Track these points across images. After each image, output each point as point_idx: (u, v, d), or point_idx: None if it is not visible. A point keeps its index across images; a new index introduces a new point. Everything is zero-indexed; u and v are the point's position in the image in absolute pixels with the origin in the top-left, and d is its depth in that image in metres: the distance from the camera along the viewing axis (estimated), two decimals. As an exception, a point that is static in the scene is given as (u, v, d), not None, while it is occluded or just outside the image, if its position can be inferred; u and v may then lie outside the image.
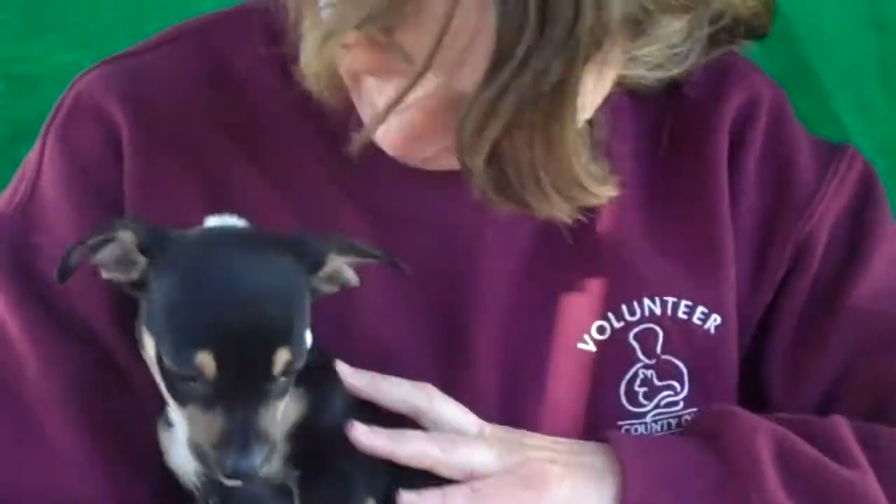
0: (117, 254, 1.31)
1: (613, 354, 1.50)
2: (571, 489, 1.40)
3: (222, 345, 1.24)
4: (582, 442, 1.46)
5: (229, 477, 1.25)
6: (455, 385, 1.46)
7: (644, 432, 1.51)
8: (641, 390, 1.51)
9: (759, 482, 1.41)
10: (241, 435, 1.24)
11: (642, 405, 1.51)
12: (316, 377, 1.35)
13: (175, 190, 1.46)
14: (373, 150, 1.41)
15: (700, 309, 1.52)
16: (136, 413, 1.44)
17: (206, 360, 1.24)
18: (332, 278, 1.36)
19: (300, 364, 1.28)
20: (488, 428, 1.44)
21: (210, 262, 1.29)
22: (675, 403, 1.53)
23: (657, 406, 1.52)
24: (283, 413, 1.31)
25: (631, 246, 1.51)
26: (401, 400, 1.42)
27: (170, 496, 1.44)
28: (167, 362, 1.27)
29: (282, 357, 1.25)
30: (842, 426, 1.48)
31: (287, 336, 1.26)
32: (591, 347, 1.51)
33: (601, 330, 1.51)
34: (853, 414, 1.52)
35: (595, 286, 1.51)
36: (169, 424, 1.39)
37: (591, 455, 1.43)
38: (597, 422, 1.49)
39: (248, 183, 1.47)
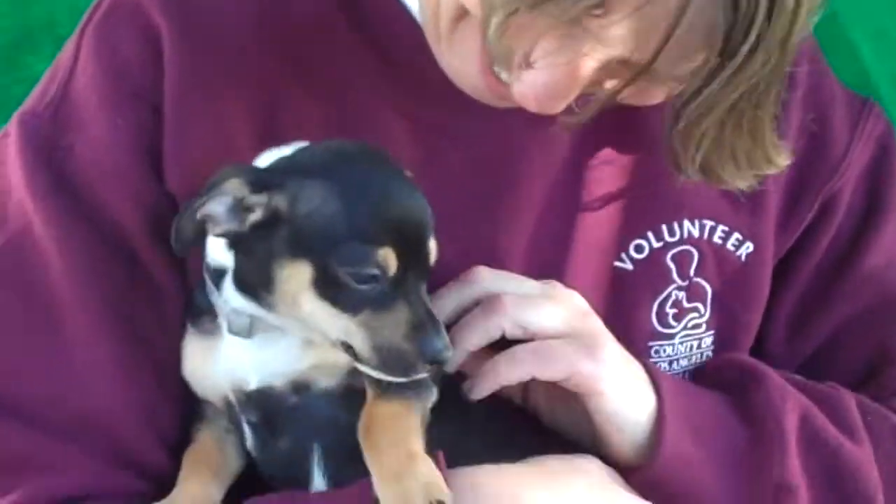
0: (228, 204, 1.28)
1: (650, 274, 1.51)
2: (623, 375, 1.41)
3: (401, 239, 1.27)
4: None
5: (433, 361, 1.26)
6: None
7: (671, 353, 1.53)
8: (672, 311, 1.52)
9: (782, 455, 1.44)
10: (432, 319, 1.27)
11: (672, 326, 1.53)
12: None
13: (218, 100, 1.43)
14: (422, 66, 1.40)
15: (735, 235, 1.53)
16: (161, 324, 1.43)
17: (388, 256, 1.26)
18: None
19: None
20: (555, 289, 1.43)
21: (355, 168, 1.30)
22: (698, 326, 1.54)
23: (685, 328, 1.53)
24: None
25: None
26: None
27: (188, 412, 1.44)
28: (344, 270, 1.26)
29: (433, 247, 1.29)
30: (850, 401, 1.52)
31: (432, 229, 1.30)
32: (629, 266, 1.51)
33: (639, 249, 1.51)
34: (842, 374, 1.58)
35: (636, 205, 1.51)
36: (210, 336, 1.37)
37: (637, 367, 1.44)
38: (628, 341, 1.49)
39: (293, 94, 1.44)
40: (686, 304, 1.53)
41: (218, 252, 1.35)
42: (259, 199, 1.28)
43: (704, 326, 1.54)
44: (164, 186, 1.43)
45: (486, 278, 1.42)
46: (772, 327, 1.60)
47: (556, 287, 1.43)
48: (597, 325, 1.42)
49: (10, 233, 1.43)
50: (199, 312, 1.39)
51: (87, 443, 1.40)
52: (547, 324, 1.40)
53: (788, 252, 1.58)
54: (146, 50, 1.43)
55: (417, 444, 1.29)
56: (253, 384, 1.35)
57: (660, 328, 1.52)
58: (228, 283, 1.34)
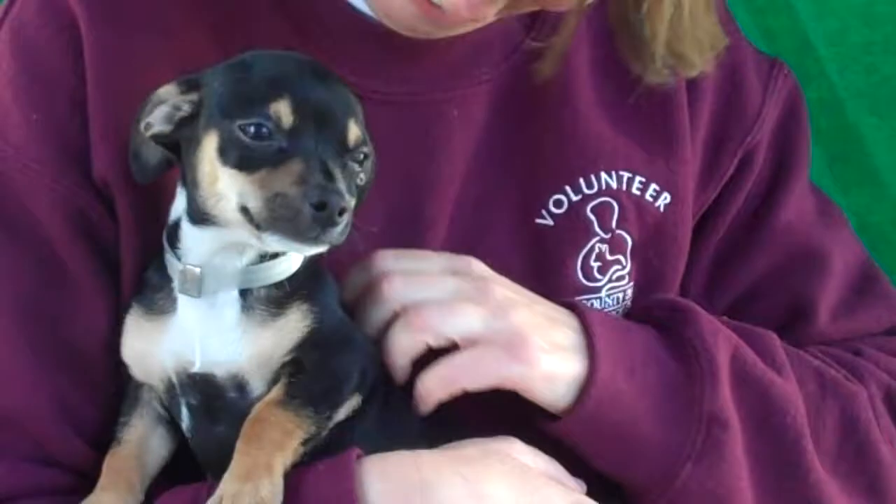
0: (165, 111, 1.32)
1: (571, 228, 1.51)
2: (549, 364, 1.39)
3: (298, 93, 1.28)
4: (555, 307, 1.44)
5: (318, 205, 1.23)
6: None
7: (599, 307, 1.52)
8: (596, 265, 1.52)
9: (714, 389, 1.43)
10: (325, 170, 1.25)
11: (597, 279, 1.52)
12: (315, 289, 1.35)
13: (145, 77, 1.39)
14: (338, 26, 1.40)
15: (653, 186, 1.54)
16: (78, 320, 1.41)
17: (282, 108, 1.27)
18: None
19: (366, 165, 1.30)
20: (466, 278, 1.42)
21: (273, 57, 1.33)
22: (622, 277, 1.54)
23: (610, 280, 1.53)
24: (287, 331, 1.32)
25: (587, 120, 1.51)
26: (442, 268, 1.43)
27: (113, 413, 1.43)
28: (238, 125, 1.27)
29: (354, 130, 1.28)
30: (776, 340, 1.52)
31: (356, 115, 1.30)
32: (549, 222, 1.51)
33: (558, 203, 1.51)
34: (763, 323, 1.57)
35: (552, 159, 1.51)
36: (160, 314, 1.37)
37: (564, 327, 1.42)
38: (556, 297, 1.48)
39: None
40: (609, 257, 1.53)
41: (176, 203, 1.36)
42: (187, 97, 1.31)
43: (627, 278, 1.54)
44: (90, 178, 1.41)
45: (389, 259, 1.42)
46: (691, 279, 1.60)
47: (466, 266, 1.42)
48: (518, 318, 1.39)
49: None
50: (150, 291, 1.39)
51: (7, 441, 1.40)
52: (468, 331, 1.38)
53: (707, 206, 1.59)
54: (61, 39, 1.42)
55: (280, 460, 1.27)
56: (197, 366, 1.35)
57: (585, 282, 1.52)
58: (185, 225, 1.35)
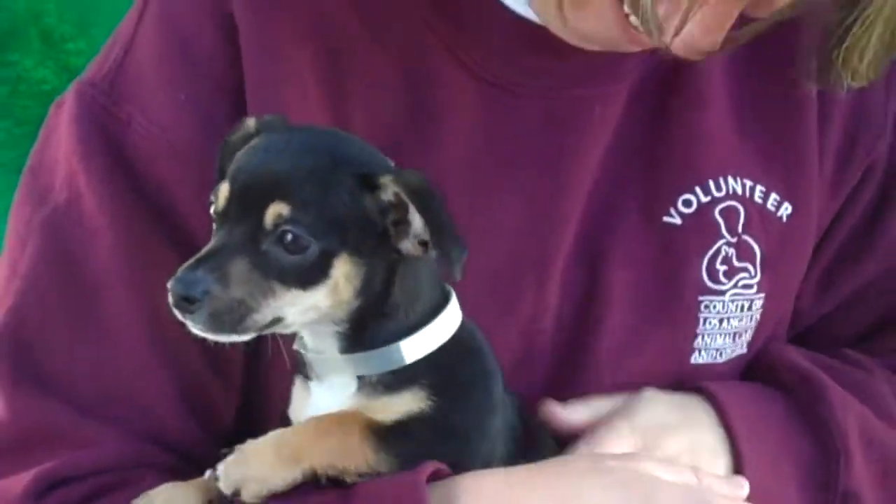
0: (238, 137, 1.30)
1: (698, 228, 1.50)
2: None
3: (236, 179, 1.24)
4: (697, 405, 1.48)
5: (172, 301, 1.20)
6: (543, 250, 1.45)
7: (722, 310, 1.52)
8: (722, 268, 1.51)
9: (848, 467, 1.50)
10: (198, 258, 1.21)
11: (722, 283, 1.52)
12: (443, 383, 1.30)
13: (292, 61, 1.40)
14: (486, 18, 1.40)
15: (773, 196, 1.53)
16: None
17: (222, 190, 1.24)
18: (397, 220, 1.25)
19: (305, 243, 1.22)
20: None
21: (273, 137, 1.28)
22: (749, 286, 1.54)
23: (735, 286, 1.52)
24: (394, 405, 1.28)
25: (719, 124, 1.51)
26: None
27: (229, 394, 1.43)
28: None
29: (276, 209, 1.21)
30: (884, 386, 1.58)
31: (290, 196, 1.22)
32: (677, 220, 1.50)
33: (687, 203, 1.50)
34: (848, 331, 1.65)
35: (683, 159, 1.51)
36: (305, 383, 1.35)
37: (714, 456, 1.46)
38: (678, 295, 1.50)
39: (360, 47, 1.42)
40: (736, 263, 1.52)
41: None
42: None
43: (755, 288, 1.54)
44: None
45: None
46: (804, 286, 1.61)
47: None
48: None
49: (56, 203, 1.41)
50: (298, 363, 1.37)
51: (121, 419, 1.39)
52: None
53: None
54: (213, 21, 1.40)
55: (310, 455, 1.25)
56: None
57: (710, 284, 1.51)
58: None
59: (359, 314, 1.27)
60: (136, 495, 1.31)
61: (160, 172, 1.39)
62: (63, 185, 1.40)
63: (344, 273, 1.24)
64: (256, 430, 1.30)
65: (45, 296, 1.41)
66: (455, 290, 1.35)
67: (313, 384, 1.33)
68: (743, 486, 1.43)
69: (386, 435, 1.27)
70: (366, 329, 1.28)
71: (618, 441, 1.42)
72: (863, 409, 1.53)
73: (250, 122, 1.30)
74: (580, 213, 1.47)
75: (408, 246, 1.26)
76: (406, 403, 1.28)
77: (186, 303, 1.19)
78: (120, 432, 1.39)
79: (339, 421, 1.28)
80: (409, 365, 1.29)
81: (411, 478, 1.25)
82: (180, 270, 1.20)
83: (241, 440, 1.29)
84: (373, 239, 1.25)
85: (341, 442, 1.26)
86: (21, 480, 1.37)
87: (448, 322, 1.31)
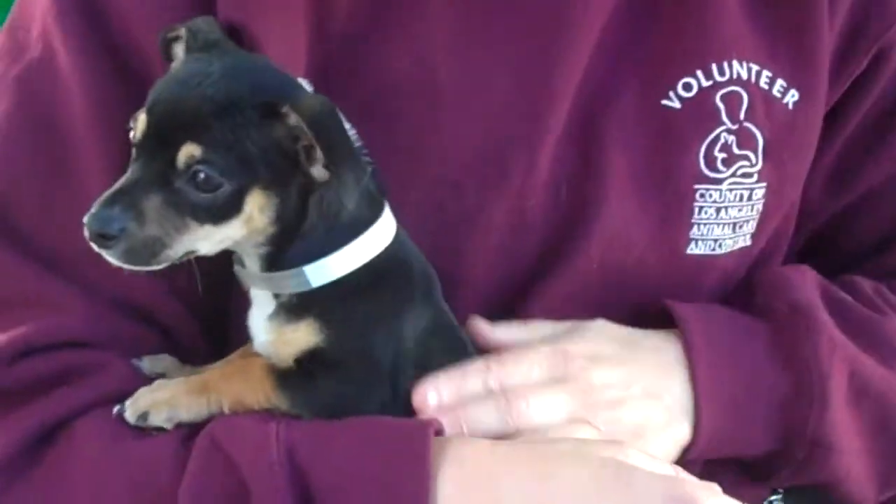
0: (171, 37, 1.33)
1: (698, 114, 1.46)
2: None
3: (152, 112, 1.25)
4: (647, 344, 1.44)
5: (88, 235, 1.23)
6: (536, 123, 1.42)
7: (718, 199, 1.48)
8: (721, 156, 1.47)
9: (822, 412, 1.44)
10: (113, 193, 1.23)
11: (720, 171, 1.48)
12: (343, 308, 1.32)
13: None
14: None
15: (779, 82, 1.48)
16: None
17: (140, 120, 1.25)
18: (308, 145, 1.26)
19: (217, 182, 1.23)
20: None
21: (191, 66, 1.29)
22: (749, 175, 1.49)
23: (734, 175, 1.48)
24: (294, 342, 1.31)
25: (724, 5, 1.46)
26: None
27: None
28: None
29: (188, 150, 1.23)
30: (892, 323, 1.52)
31: (201, 136, 1.23)
32: (676, 104, 1.46)
33: (687, 87, 1.46)
34: (856, 241, 1.60)
35: (685, 41, 1.46)
36: None
37: (667, 394, 1.42)
38: (674, 182, 1.46)
39: None
40: (736, 150, 1.48)
41: None
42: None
43: (756, 177, 1.50)
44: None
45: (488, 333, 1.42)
46: (813, 177, 1.56)
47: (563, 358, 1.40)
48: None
49: (29, 60, 1.41)
50: None
51: (94, 284, 1.39)
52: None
53: (836, 102, 1.54)
54: None
55: (217, 388, 1.32)
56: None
57: (707, 171, 1.47)
58: None
59: (276, 238, 1.30)
60: (103, 385, 1.35)
61: (132, 28, 1.39)
62: (38, 41, 1.41)
63: (258, 205, 1.26)
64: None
65: (18, 150, 1.41)
66: (441, 166, 1.36)
67: (252, 293, 1.37)
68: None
69: (285, 373, 1.32)
70: (285, 251, 1.31)
71: (528, 367, 1.37)
72: (859, 355, 1.46)
73: (181, 29, 1.31)
74: (575, 86, 1.43)
75: (317, 171, 1.27)
76: (301, 338, 1.31)
77: (103, 239, 1.23)
78: (92, 297, 1.39)
79: (242, 363, 1.35)
80: (316, 290, 1.31)
81: (421, 429, 1.27)
82: (96, 206, 1.22)
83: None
84: (286, 167, 1.27)
85: (244, 380, 1.32)
86: None
87: (367, 244, 1.32)
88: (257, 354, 1.36)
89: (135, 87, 1.37)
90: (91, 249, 1.26)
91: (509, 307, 1.46)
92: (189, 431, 1.30)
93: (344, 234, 1.31)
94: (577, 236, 1.46)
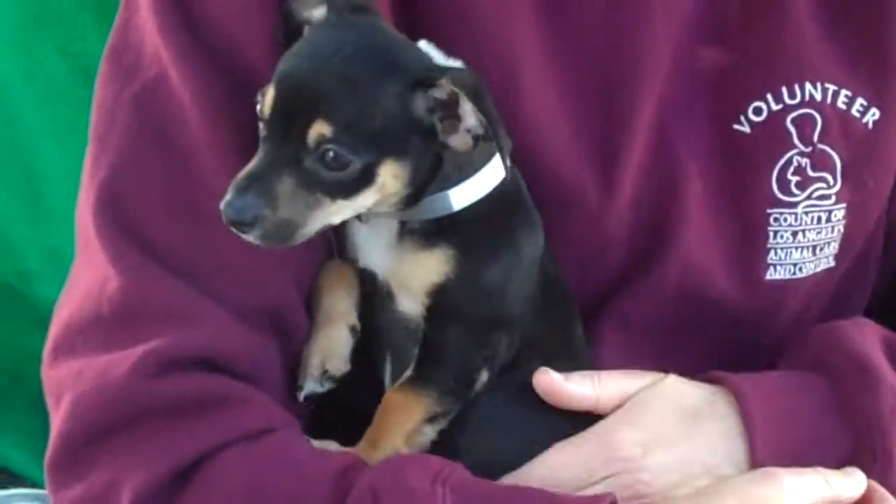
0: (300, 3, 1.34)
1: (768, 138, 1.45)
2: None
3: (285, 80, 1.26)
4: (711, 412, 1.38)
5: (225, 221, 1.25)
6: (608, 147, 1.43)
7: (794, 223, 1.46)
8: (794, 179, 1.45)
9: (883, 473, 1.37)
10: (246, 178, 1.25)
11: (794, 194, 1.46)
12: (478, 242, 1.34)
13: None
14: None
15: (859, 101, 1.46)
16: None
17: (269, 94, 1.26)
18: (450, 121, 1.27)
19: (347, 160, 1.24)
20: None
21: (324, 35, 1.30)
22: (826, 197, 1.47)
23: (809, 197, 1.46)
24: (426, 271, 1.33)
25: (798, 26, 1.44)
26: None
27: None
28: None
29: (318, 129, 1.24)
30: None
31: (332, 114, 1.24)
32: (746, 129, 1.45)
33: (757, 111, 1.45)
34: None
35: (756, 65, 1.44)
36: None
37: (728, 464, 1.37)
38: (746, 206, 1.45)
39: None
40: (811, 173, 1.46)
41: None
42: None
43: (834, 198, 1.47)
44: None
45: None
46: (891, 202, 1.52)
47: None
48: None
49: (144, 80, 1.42)
50: None
51: (222, 295, 1.37)
52: None
53: None
54: None
55: (391, 441, 1.33)
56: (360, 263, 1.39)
57: (781, 195, 1.45)
58: None
59: (410, 196, 1.32)
60: (246, 421, 1.32)
61: (237, 36, 1.37)
62: (150, 61, 1.41)
63: (391, 173, 1.28)
64: None
65: (139, 167, 1.40)
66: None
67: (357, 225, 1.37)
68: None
69: (417, 376, 1.35)
70: (420, 199, 1.33)
71: (623, 447, 1.35)
72: None
73: None
74: (649, 114, 1.43)
75: (457, 140, 1.29)
76: (433, 266, 1.33)
77: (240, 225, 1.25)
78: (219, 308, 1.34)
79: (383, 409, 1.36)
80: (446, 218, 1.33)
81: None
82: (231, 191, 1.24)
83: None
84: (418, 137, 1.28)
85: (396, 414, 1.35)
86: (128, 358, 1.32)
87: (492, 172, 1.33)
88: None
89: (242, 88, 1.37)
90: (221, 260, 1.32)
91: (583, 326, 1.46)
92: (343, 466, 1.29)
93: (471, 169, 1.33)
94: (655, 258, 1.46)
